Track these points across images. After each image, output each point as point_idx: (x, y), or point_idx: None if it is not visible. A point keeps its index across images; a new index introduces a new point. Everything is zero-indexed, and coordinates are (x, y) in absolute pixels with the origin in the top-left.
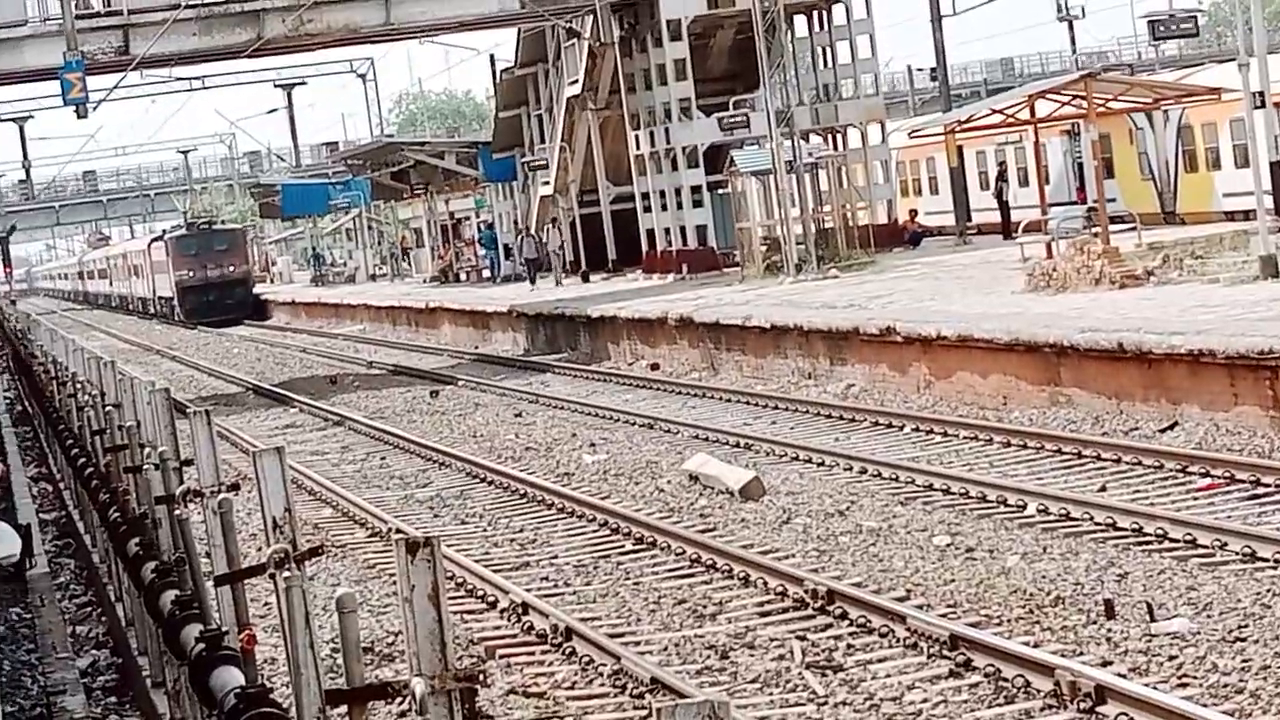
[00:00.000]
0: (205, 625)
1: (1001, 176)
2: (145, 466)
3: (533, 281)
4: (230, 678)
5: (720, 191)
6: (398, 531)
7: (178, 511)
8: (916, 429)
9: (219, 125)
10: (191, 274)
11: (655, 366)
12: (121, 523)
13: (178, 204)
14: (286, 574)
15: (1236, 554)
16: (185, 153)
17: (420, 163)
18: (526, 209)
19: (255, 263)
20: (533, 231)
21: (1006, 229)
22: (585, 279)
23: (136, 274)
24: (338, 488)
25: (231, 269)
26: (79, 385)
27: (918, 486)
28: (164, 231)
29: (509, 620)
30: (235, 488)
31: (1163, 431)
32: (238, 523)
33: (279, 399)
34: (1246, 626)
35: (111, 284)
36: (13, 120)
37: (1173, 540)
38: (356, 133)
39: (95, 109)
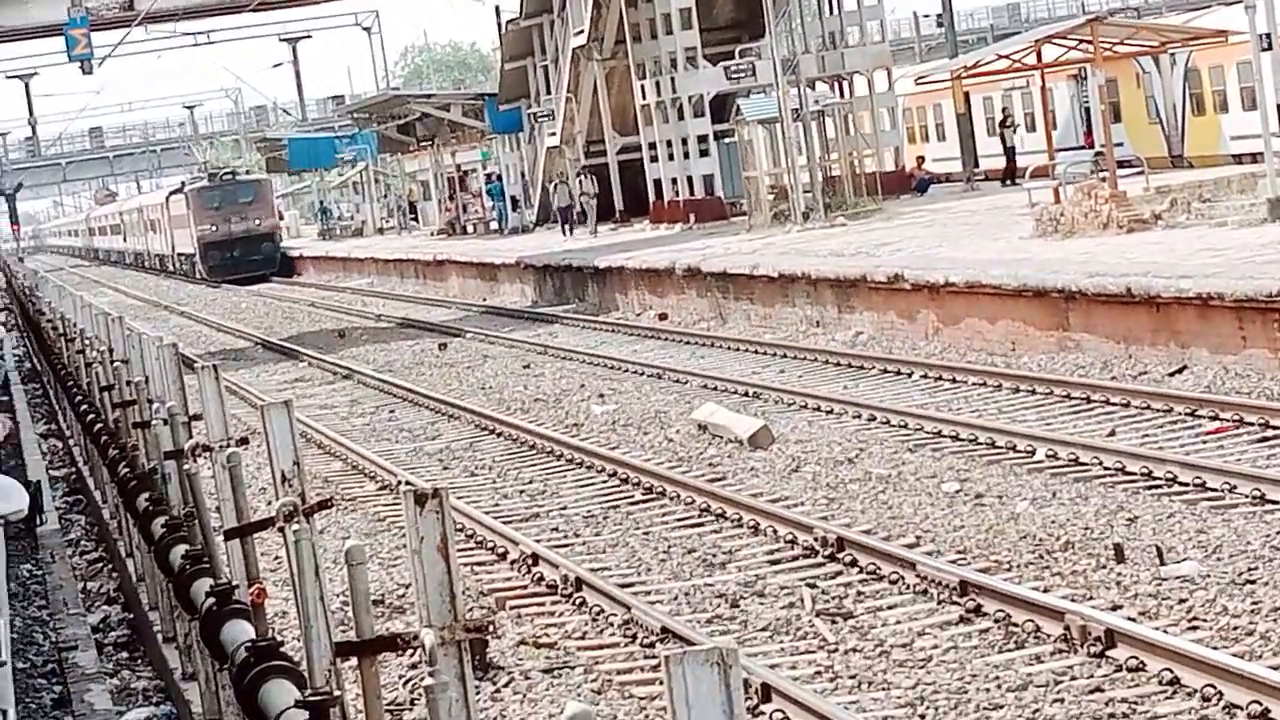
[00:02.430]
0: (215, 579)
1: (1004, 123)
2: (154, 421)
3: (565, 231)
4: (241, 631)
5: (726, 140)
6: (406, 483)
7: (186, 466)
8: (925, 376)
9: (225, 80)
10: (214, 228)
11: (663, 316)
12: (131, 478)
13: (197, 154)
14: (295, 527)
15: (1246, 497)
16: (191, 108)
17: (426, 115)
18: (533, 160)
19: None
20: (566, 180)
21: (1008, 174)
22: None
23: (154, 229)
24: (346, 441)
25: (257, 222)
26: (87, 341)
27: (926, 433)
28: (183, 183)
29: (519, 571)
30: (244, 442)
31: (1171, 375)
32: (247, 477)
33: (287, 353)
34: (1256, 569)
35: (125, 240)
36: (18, 77)
37: (1182, 484)
38: (362, 86)
39: (100, 65)
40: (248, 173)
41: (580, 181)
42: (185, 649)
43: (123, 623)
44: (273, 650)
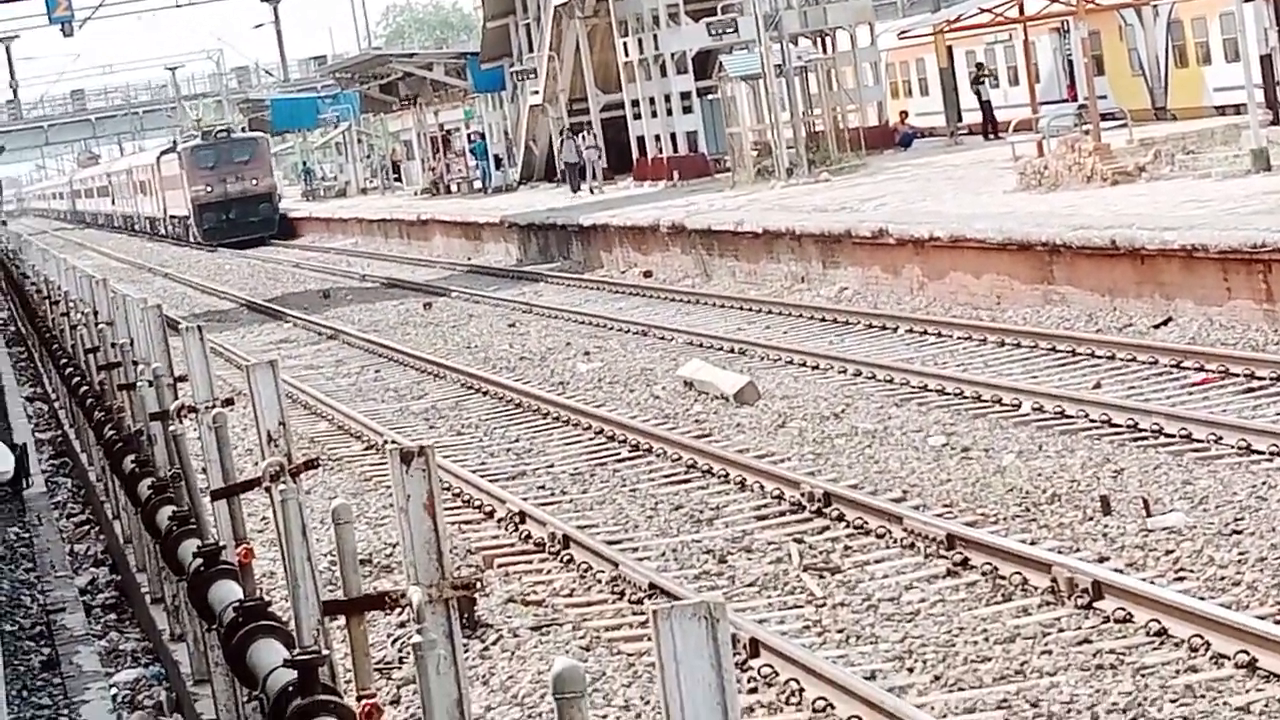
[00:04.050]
0: (202, 540)
1: (978, 78)
2: (139, 383)
3: (574, 188)
4: (228, 592)
5: (710, 97)
6: (392, 442)
7: (172, 427)
8: (910, 330)
9: (206, 42)
10: (209, 189)
11: (648, 274)
12: (117, 440)
13: (190, 112)
14: (282, 487)
15: (1232, 447)
16: (173, 69)
17: (408, 75)
18: (516, 119)
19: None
20: (572, 136)
21: (985, 129)
22: (576, 188)
23: (143, 191)
24: (332, 401)
25: (254, 183)
26: (72, 304)
27: (912, 388)
28: (174, 142)
29: (506, 529)
30: (229, 402)
31: (1156, 327)
32: (233, 438)
33: (272, 314)
34: (1242, 519)
35: (114, 203)
36: None
37: (1168, 435)
38: (344, 46)
39: (81, 27)
40: (242, 130)
41: (583, 137)
42: (173, 610)
43: (110, 584)
44: (261, 610)
